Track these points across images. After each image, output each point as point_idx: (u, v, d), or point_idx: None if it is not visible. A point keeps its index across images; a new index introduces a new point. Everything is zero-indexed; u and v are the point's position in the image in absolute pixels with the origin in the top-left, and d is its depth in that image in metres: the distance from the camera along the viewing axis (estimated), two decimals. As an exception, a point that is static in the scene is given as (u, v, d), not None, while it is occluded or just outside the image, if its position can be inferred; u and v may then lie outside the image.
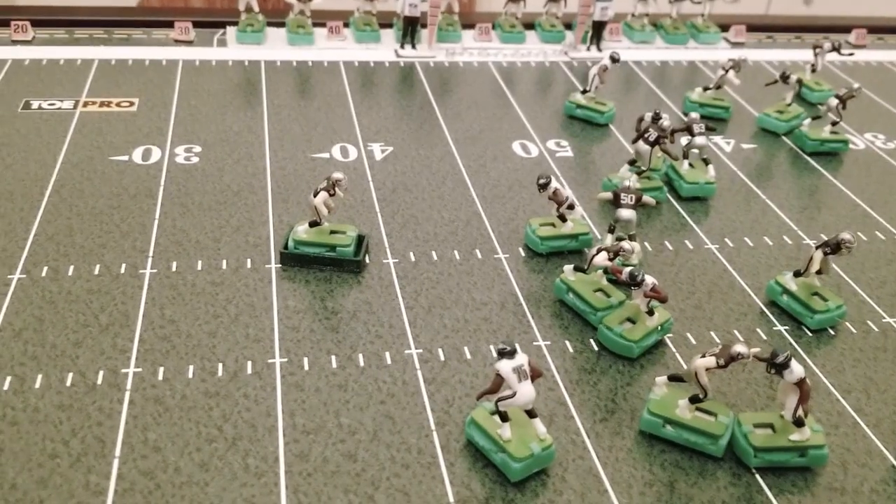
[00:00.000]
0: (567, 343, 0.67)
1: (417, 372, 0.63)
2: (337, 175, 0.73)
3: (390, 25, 1.25)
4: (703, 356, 0.56)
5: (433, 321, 0.69)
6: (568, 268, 0.71)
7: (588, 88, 1.03)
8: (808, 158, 0.99)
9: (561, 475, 0.55)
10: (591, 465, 0.56)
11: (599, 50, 1.24)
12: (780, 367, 0.54)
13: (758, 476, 0.56)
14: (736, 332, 0.70)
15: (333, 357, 0.64)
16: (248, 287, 0.70)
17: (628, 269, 0.64)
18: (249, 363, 0.62)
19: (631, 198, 0.74)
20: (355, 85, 1.10)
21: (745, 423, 0.57)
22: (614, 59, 1.01)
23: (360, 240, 0.76)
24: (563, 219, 0.78)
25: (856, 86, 0.99)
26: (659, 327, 0.67)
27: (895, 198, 0.92)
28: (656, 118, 0.88)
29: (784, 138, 1.03)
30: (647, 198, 0.75)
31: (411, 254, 0.77)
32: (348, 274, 0.73)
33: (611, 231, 0.77)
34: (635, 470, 0.56)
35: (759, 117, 1.06)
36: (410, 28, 1.19)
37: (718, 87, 1.07)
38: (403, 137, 0.98)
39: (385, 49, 1.22)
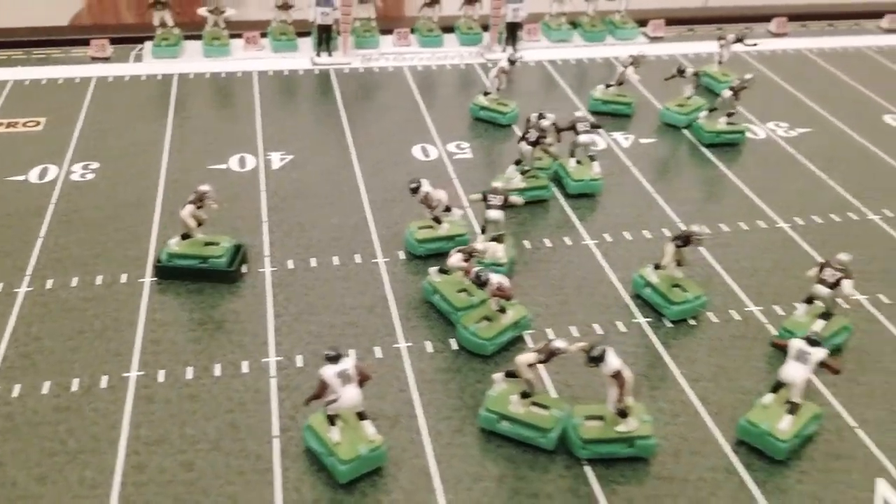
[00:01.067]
0: (428, 343, 0.69)
1: (272, 380, 0.64)
2: (203, 188, 0.75)
3: (309, 34, 1.26)
4: (526, 352, 0.58)
5: (299, 328, 0.70)
6: (433, 269, 0.73)
7: (489, 90, 1.04)
8: (706, 150, 1.00)
9: (394, 475, 0.57)
10: (424, 464, 0.58)
11: (515, 50, 1.25)
12: (595, 361, 0.55)
13: (587, 467, 0.58)
14: (596, 325, 0.71)
15: (190, 368, 0.65)
16: (118, 301, 0.72)
17: (475, 269, 0.66)
18: (105, 378, 0.64)
19: (498, 199, 0.76)
20: (266, 94, 1.12)
21: (577, 415, 0.58)
22: (511, 61, 1.02)
23: (237, 250, 0.77)
24: (438, 221, 0.79)
25: (748, 76, 1.00)
26: (515, 324, 0.68)
27: (786, 186, 0.93)
28: (541, 118, 0.89)
29: (685, 132, 1.04)
30: (514, 198, 0.77)
31: (290, 262, 0.78)
32: (223, 285, 0.74)
33: (483, 232, 0.78)
34: (468, 466, 0.57)
35: (661, 112, 1.07)
36: (325, 35, 1.21)
37: (620, 83, 1.08)
38: (305, 145, 0.99)
39: (302, 57, 1.23)
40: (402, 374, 0.66)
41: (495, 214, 0.76)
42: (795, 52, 1.31)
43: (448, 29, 1.31)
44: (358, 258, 0.79)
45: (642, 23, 1.35)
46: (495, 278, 0.65)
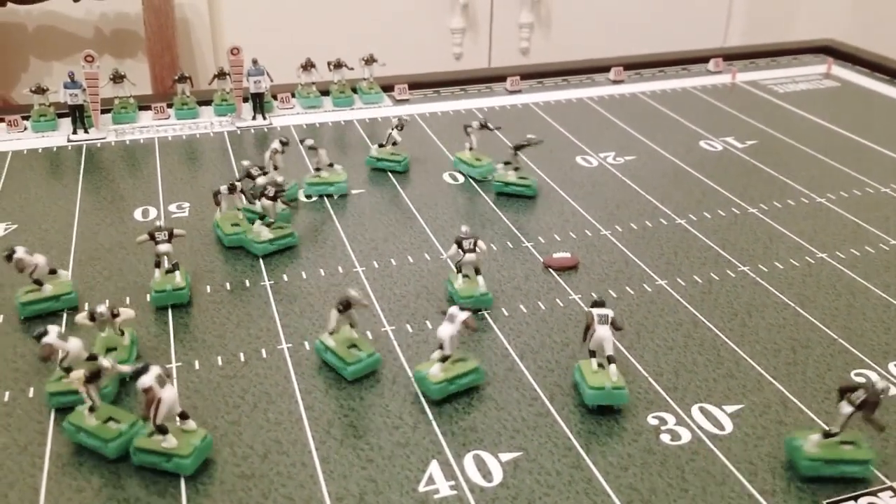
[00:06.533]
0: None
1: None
2: None
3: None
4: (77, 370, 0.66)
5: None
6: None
7: (268, 170, 1.09)
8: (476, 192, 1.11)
9: None
10: None
11: (264, 118, 1.36)
12: (133, 377, 0.64)
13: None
14: (241, 354, 0.80)
15: None
16: None
17: (99, 308, 0.75)
18: None
19: (164, 234, 0.87)
20: (14, 172, 1.19)
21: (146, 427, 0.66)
22: (283, 143, 1.10)
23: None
24: (39, 283, 0.86)
25: (530, 136, 1.13)
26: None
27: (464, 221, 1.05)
28: (249, 176, 1.01)
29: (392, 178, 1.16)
30: (177, 231, 0.89)
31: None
32: None
33: (157, 266, 0.88)
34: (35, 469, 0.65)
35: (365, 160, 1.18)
36: (77, 114, 1.29)
37: (395, 143, 1.19)
38: (32, 215, 1.07)
39: (61, 136, 1.32)
40: None
41: (165, 248, 0.87)
42: (523, 106, 1.46)
43: (205, 102, 1.42)
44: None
45: (388, 88, 1.48)
46: (101, 308, 0.74)
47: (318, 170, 1.12)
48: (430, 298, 0.89)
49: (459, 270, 0.87)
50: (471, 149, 1.19)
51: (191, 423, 0.67)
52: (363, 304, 0.78)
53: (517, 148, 1.12)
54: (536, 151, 1.26)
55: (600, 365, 0.73)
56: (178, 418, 0.66)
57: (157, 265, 0.88)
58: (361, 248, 0.99)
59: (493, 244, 1.00)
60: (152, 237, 0.87)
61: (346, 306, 0.77)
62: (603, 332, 0.73)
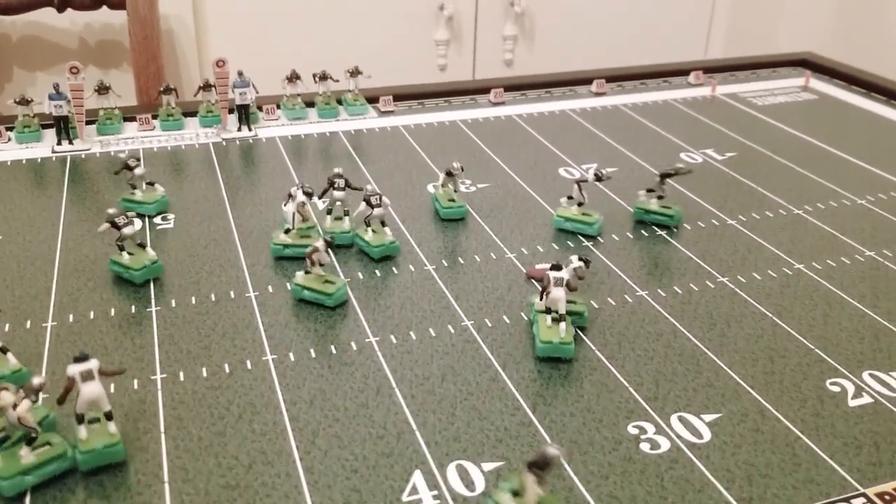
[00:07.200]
0: None
1: None
2: None
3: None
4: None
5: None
6: None
7: (291, 227, 1.04)
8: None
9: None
10: None
11: (250, 129, 1.37)
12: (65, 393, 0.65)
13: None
14: (226, 365, 0.80)
15: None
16: None
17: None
18: None
19: (124, 218, 0.94)
20: (-4, 183, 1.19)
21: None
22: (308, 194, 1.02)
23: None
24: None
25: (679, 165, 1.11)
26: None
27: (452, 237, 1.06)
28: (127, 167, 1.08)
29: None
30: (131, 212, 0.96)
31: (-39, 331, 0.85)
32: None
33: (121, 249, 0.93)
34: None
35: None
36: (62, 125, 1.30)
37: (456, 189, 1.15)
38: (17, 226, 1.07)
39: (45, 147, 1.32)
40: None
41: (130, 230, 0.94)
42: (508, 117, 1.48)
43: (190, 113, 1.42)
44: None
45: (373, 99, 1.49)
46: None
47: (133, 188, 1.10)
48: (413, 309, 0.90)
49: (368, 225, 0.99)
50: (580, 204, 1.07)
51: (111, 426, 0.67)
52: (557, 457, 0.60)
53: (664, 176, 1.08)
54: (519, 162, 1.27)
55: (555, 320, 0.81)
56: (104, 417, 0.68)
57: (121, 248, 0.93)
58: (346, 260, 1.00)
59: (476, 255, 1.01)
60: (114, 224, 0.92)
61: (542, 467, 0.60)
62: (557, 293, 0.81)
